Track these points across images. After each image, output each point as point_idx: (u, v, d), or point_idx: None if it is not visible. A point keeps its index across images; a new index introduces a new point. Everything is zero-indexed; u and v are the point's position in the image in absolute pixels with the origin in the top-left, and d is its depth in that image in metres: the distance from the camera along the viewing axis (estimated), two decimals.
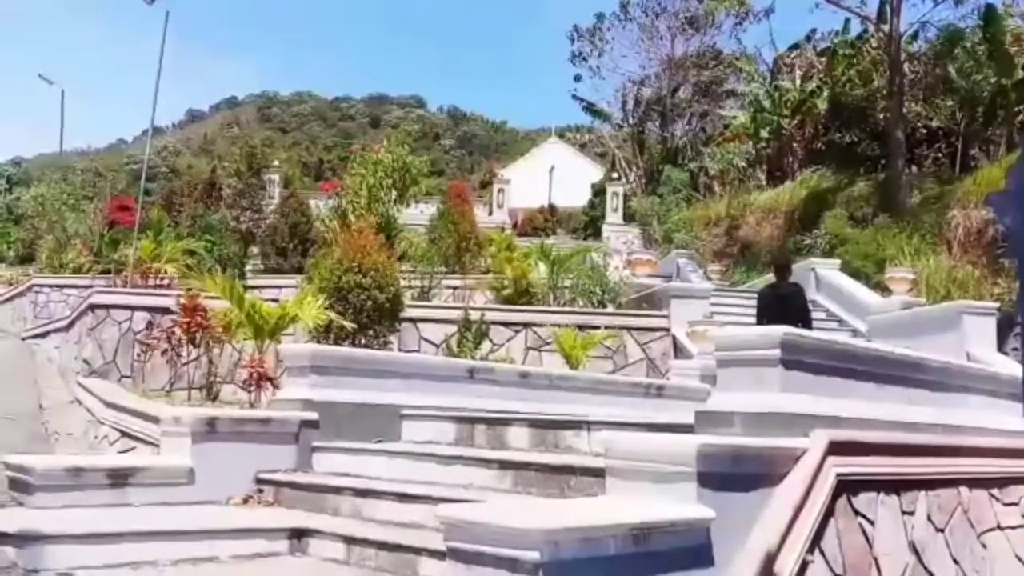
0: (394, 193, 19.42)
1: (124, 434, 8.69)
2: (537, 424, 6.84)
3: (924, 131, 26.93)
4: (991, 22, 24.40)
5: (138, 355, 12.30)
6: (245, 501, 6.61)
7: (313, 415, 7.14)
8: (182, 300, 10.46)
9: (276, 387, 8.43)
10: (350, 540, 5.40)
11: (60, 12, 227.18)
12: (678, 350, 14.04)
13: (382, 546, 5.22)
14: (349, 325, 10.34)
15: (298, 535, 5.66)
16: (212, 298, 10.44)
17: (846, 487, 4.89)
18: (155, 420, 7.49)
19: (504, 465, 5.84)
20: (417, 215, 26.85)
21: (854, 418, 5.20)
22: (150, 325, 11.19)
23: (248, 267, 19.87)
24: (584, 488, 5.30)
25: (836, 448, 4.83)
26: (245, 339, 10.19)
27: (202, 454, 6.59)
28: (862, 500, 5.04)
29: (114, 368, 13.41)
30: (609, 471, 4.33)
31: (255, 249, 21.13)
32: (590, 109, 41.63)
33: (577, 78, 41.25)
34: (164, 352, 10.42)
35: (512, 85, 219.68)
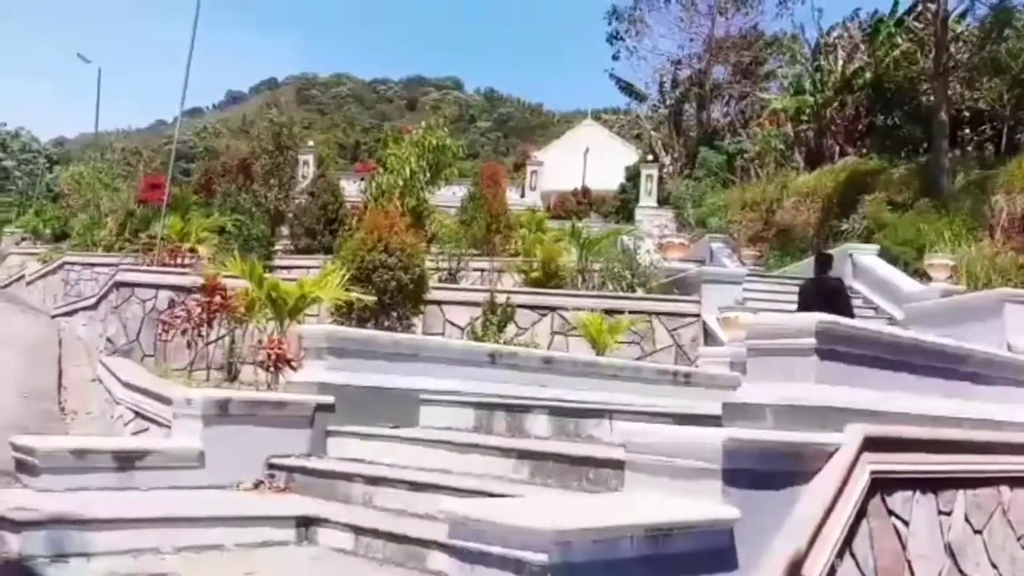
0: (427, 174, 19.20)
1: (139, 415, 8.56)
2: (558, 412, 6.59)
3: (968, 113, 26.15)
4: None
5: (159, 334, 12.20)
6: (256, 486, 6.42)
7: (329, 398, 6.94)
8: (202, 279, 10.31)
9: (294, 369, 8.23)
10: (358, 530, 5.20)
11: None
12: (708, 337, 13.69)
13: (391, 537, 5.01)
14: (369, 299, 10.09)
15: (306, 523, 5.47)
16: (233, 277, 10.28)
17: (881, 486, 4.60)
18: (168, 401, 7.33)
19: (522, 455, 5.60)
20: (449, 197, 26.68)
21: (891, 412, 4.89)
22: (172, 304, 11.05)
23: (278, 247, 19.79)
24: (603, 481, 5.04)
25: (872, 444, 4.53)
26: (268, 320, 10.05)
27: (213, 437, 6.40)
28: (897, 499, 4.74)
29: (137, 347, 13.36)
30: (629, 465, 4.07)
31: (285, 229, 21.05)
32: (627, 89, 41.08)
33: (615, 57, 40.73)
34: (184, 332, 10.27)
35: (549, 67, 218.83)
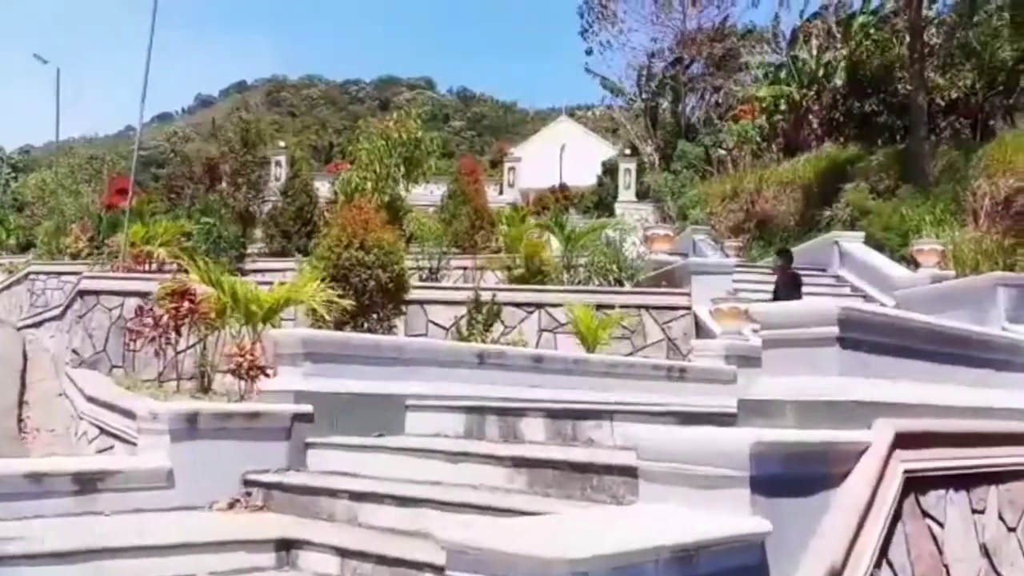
0: (403, 169, 18.69)
1: (103, 431, 8.04)
2: (554, 414, 6.15)
3: (942, 102, 25.98)
4: None
5: (127, 343, 11.66)
6: (231, 506, 5.95)
7: (307, 408, 6.48)
8: (168, 284, 9.80)
9: (270, 376, 7.76)
10: (344, 552, 4.76)
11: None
12: (700, 329, 13.31)
13: (380, 560, 4.57)
14: (347, 303, 9.62)
15: (287, 546, 5.02)
16: (199, 280, 9.78)
17: (914, 485, 4.21)
18: (132, 416, 6.84)
19: (518, 463, 5.17)
20: (426, 195, 26.21)
21: (917, 404, 4.50)
22: (140, 311, 10.56)
23: (252, 250, 19.24)
24: (608, 489, 4.63)
25: (903, 440, 4.14)
26: (242, 325, 9.57)
27: (182, 454, 5.94)
28: (931, 499, 4.35)
29: (105, 357, 12.79)
30: (642, 474, 3.65)
31: (258, 232, 20.50)
32: (604, 83, 40.75)
33: (588, 52, 40.41)
34: (152, 340, 9.75)
35: (521, 65, 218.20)
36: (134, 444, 6.65)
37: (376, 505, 5.29)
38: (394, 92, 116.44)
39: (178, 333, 9.73)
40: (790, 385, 4.20)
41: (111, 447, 7.78)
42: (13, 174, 48.37)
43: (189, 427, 6.01)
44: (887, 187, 22.89)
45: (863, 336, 4.26)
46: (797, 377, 4.19)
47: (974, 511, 4.68)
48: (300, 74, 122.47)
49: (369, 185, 16.98)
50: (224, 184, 19.49)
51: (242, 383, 8.41)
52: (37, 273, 21.20)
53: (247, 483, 6.11)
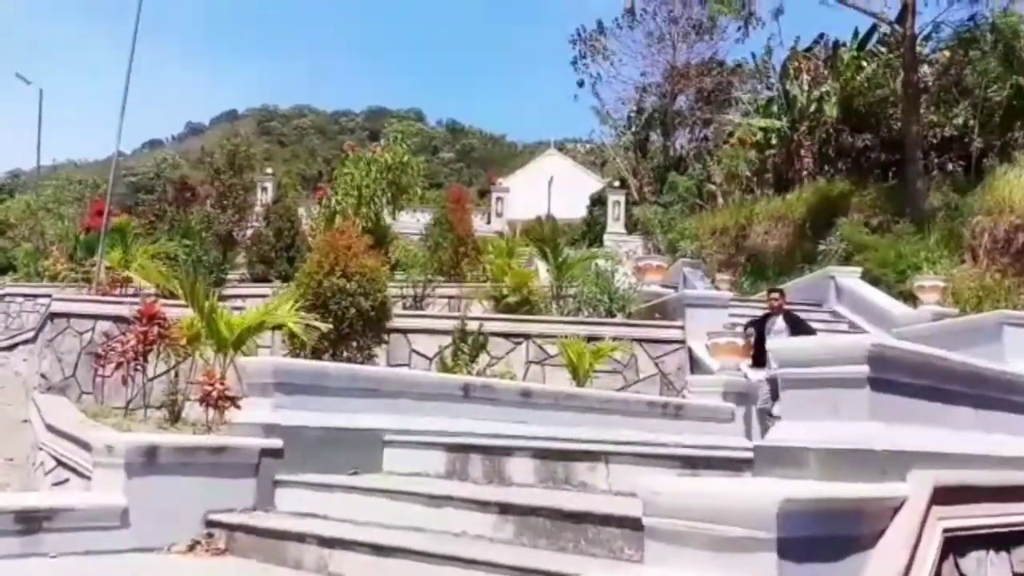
0: (388, 194, 18.24)
1: (60, 463, 7.48)
2: (544, 454, 5.66)
3: (935, 139, 25.81)
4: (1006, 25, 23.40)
5: (96, 369, 11.11)
6: (190, 548, 5.43)
7: (276, 442, 5.99)
8: (138, 307, 9.28)
9: (240, 407, 7.25)
10: None
11: (61, 18, 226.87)
12: (695, 364, 12.83)
13: None
14: (324, 327, 9.12)
15: None
16: (174, 305, 9.29)
17: (953, 545, 3.74)
18: (89, 447, 6.31)
19: (505, 509, 4.70)
20: (412, 223, 25.84)
21: (954, 454, 4.05)
22: (108, 336, 10.01)
23: (235, 276, 18.73)
24: (607, 543, 4.16)
25: (941, 495, 3.68)
26: (215, 352, 9.07)
27: (139, 490, 5.42)
28: (971, 562, 3.88)
29: (74, 383, 12.21)
30: (649, 532, 3.18)
31: (242, 259, 20.01)
32: (595, 112, 40.69)
33: (580, 83, 40.35)
34: (119, 366, 9.21)
35: (510, 99, 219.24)
36: (90, 478, 6.11)
37: (349, 553, 4.79)
38: (384, 123, 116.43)
39: (145, 359, 9.20)
40: (813, 430, 3.74)
41: (66, 480, 7.23)
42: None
43: (147, 461, 5.49)
44: (881, 223, 22.62)
45: (896, 377, 3.82)
46: (822, 421, 3.74)
47: (1015, 574, 4.21)
48: (291, 104, 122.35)
49: (350, 209, 16.46)
50: (208, 206, 18.96)
51: (210, 414, 7.89)
52: (13, 295, 20.62)
53: (209, 524, 5.61)
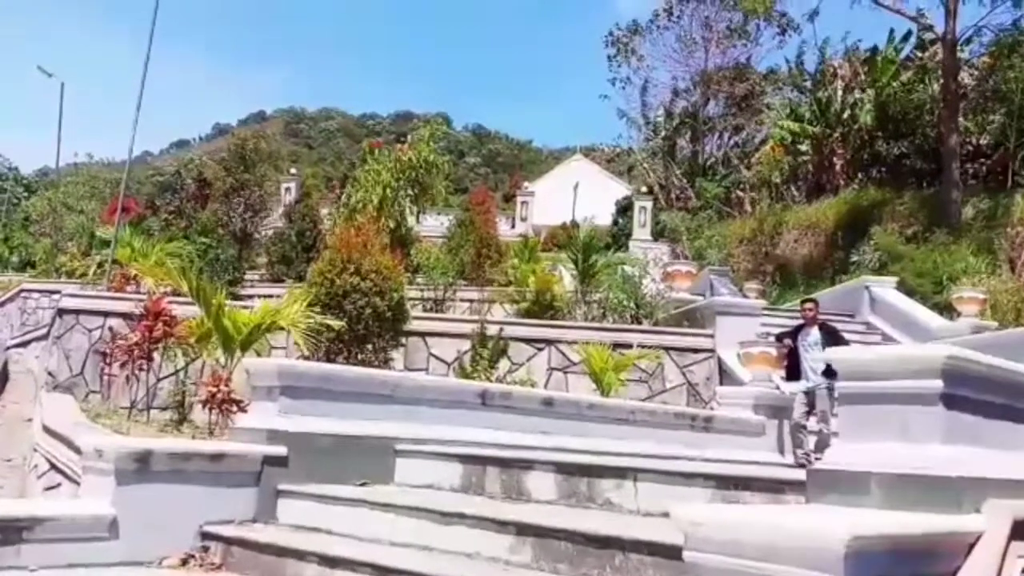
0: (412, 194, 17.80)
1: (53, 466, 7.12)
2: (566, 469, 5.22)
3: (971, 147, 25.10)
4: None
5: (103, 367, 10.77)
6: (183, 563, 5.05)
7: (280, 450, 5.58)
8: (144, 304, 8.92)
9: (245, 411, 6.86)
10: None
11: (87, 23, 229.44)
12: (724, 374, 12.31)
13: None
14: (336, 323, 8.71)
15: None
16: (186, 303, 8.92)
17: None
18: (79, 451, 5.92)
19: (522, 530, 4.28)
20: (436, 226, 25.49)
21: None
22: (114, 333, 9.67)
23: (253, 276, 18.41)
24: (636, 572, 3.72)
25: (1021, 530, 3.21)
26: (224, 352, 8.69)
27: (130, 499, 5.03)
28: None
29: (82, 381, 11.88)
30: (693, 569, 2.74)
31: (262, 259, 19.70)
32: (623, 115, 40.25)
33: (612, 82, 39.89)
34: (123, 364, 8.85)
35: (537, 104, 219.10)
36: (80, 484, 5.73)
37: (351, 574, 4.38)
38: (411, 127, 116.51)
39: (150, 358, 8.83)
40: (876, 453, 3.28)
41: (58, 485, 6.86)
42: (25, 193, 48.13)
43: (140, 468, 5.10)
44: (915, 232, 21.99)
45: (971, 393, 3.35)
46: (886, 443, 3.28)
47: None
48: (318, 106, 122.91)
49: (371, 207, 16.00)
50: (216, 203, 18.61)
51: (215, 417, 7.51)
52: (30, 291, 20.44)
53: (205, 536, 5.22)
